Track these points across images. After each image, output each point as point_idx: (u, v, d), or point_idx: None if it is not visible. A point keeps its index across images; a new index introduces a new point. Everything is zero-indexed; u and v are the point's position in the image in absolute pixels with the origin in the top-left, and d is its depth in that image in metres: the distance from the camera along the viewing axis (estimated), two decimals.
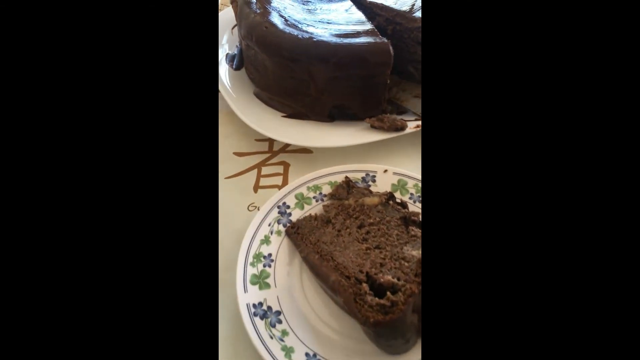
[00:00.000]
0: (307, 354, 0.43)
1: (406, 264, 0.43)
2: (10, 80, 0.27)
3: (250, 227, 0.52)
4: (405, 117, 0.69)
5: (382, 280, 0.42)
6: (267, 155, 0.68)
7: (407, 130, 0.66)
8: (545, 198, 0.26)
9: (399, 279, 0.42)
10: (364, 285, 0.42)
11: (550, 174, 0.26)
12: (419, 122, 0.67)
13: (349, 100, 0.68)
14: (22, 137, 0.27)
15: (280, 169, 0.66)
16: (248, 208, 0.61)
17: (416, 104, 0.70)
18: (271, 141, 0.70)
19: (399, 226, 0.48)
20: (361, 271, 0.44)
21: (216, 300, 0.47)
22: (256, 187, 0.64)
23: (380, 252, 0.45)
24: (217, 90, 0.72)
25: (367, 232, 0.48)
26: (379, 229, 0.48)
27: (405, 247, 0.45)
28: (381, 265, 0.44)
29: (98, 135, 0.28)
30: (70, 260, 0.27)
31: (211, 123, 0.30)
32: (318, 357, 0.43)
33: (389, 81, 0.66)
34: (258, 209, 0.57)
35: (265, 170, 0.66)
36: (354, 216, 0.51)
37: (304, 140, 0.65)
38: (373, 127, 0.66)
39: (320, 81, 0.65)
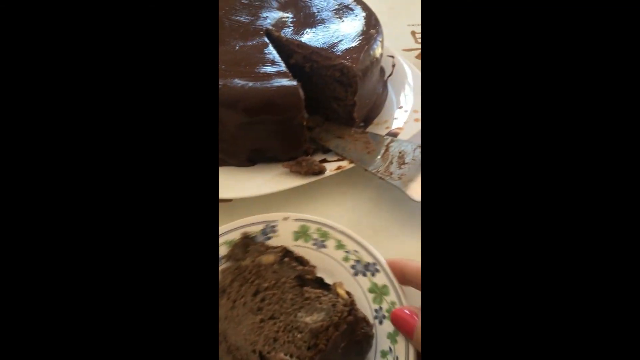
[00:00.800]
0: None
1: (299, 335, 0.40)
2: (8, 79, 0.27)
3: None
4: (329, 157, 0.67)
5: None
6: None
7: (327, 173, 0.63)
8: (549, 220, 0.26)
9: (291, 356, 0.38)
10: None
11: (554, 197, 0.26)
12: (340, 164, 0.65)
13: (267, 144, 0.65)
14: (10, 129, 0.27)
15: None
16: None
17: (338, 145, 0.68)
18: None
19: (293, 288, 0.45)
20: (254, 351, 0.40)
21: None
22: None
23: (274, 324, 0.42)
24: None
25: (262, 300, 0.44)
26: (273, 295, 0.44)
27: (299, 314, 0.42)
28: (274, 340, 0.40)
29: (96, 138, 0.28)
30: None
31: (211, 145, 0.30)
32: None
33: (305, 123, 0.63)
34: None
35: None
36: (250, 280, 0.47)
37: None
38: (292, 172, 0.63)
39: (231, 127, 0.62)
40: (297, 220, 0.53)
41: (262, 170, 0.65)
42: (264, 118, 0.61)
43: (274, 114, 0.60)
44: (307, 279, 0.46)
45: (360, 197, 0.65)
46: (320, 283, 0.46)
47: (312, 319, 0.41)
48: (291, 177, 0.63)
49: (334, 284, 0.45)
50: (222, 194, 0.62)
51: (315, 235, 0.52)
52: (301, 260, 0.48)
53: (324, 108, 0.73)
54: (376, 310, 0.46)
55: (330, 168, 0.64)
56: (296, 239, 0.52)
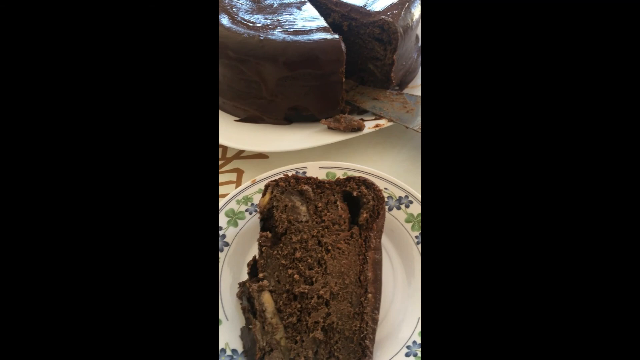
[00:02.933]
0: None
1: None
2: (11, 81, 0.26)
3: None
4: (365, 117, 0.66)
5: None
6: (220, 162, 0.65)
7: (365, 131, 0.63)
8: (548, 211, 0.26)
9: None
10: None
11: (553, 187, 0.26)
12: (378, 122, 0.64)
13: (305, 102, 0.64)
14: (18, 142, 0.26)
15: (233, 176, 0.62)
16: None
17: (375, 105, 0.67)
18: (224, 147, 0.66)
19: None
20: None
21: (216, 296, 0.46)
22: None
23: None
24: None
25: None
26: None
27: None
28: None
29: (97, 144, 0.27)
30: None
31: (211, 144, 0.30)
32: None
33: (344, 80, 0.63)
34: None
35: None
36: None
37: (256, 145, 0.61)
38: (330, 128, 0.63)
39: (271, 82, 0.61)
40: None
41: (299, 128, 0.65)
42: (305, 72, 0.60)
43: (315, 68, 0.60)
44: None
45: (399, 156, 0.65)
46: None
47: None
48: (329, 133, 0.63)
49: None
50: (261, 147, 0.62)
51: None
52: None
53: (359, 70, 0.72)
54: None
55: (369, 126, 0.63)
56: None
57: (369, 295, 0.43)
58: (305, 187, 0.47)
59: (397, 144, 0.66)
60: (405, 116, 0.64)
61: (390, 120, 0.64)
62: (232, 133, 0.64)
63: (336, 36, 0.60)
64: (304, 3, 0.67)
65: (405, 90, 0.73)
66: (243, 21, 0.63)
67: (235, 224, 0.51)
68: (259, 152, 0.63)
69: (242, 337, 0.44)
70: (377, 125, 0.63)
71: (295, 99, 0.64)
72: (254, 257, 0.46)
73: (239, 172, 0.63)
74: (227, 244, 0.50)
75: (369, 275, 0.43)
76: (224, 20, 0.63)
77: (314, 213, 0.46)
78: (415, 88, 0.73)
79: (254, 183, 0.53)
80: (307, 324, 0.41)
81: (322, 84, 0.62)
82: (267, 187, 0.48)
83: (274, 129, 0.65)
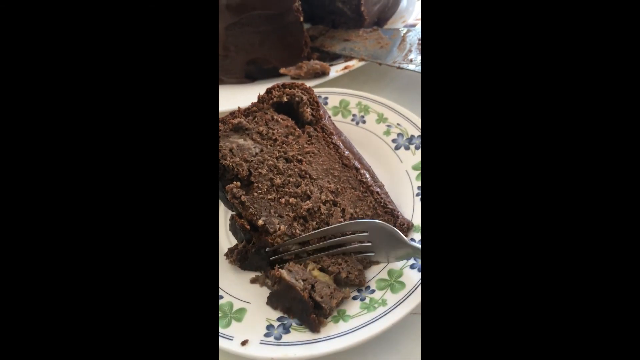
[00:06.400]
0: None
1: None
2: (10, 80, 0.25)
3: None
4: (336, 62, 0.58)
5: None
6: None
7: (332, 75, 0.54)
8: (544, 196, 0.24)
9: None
10: None
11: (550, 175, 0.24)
12: (348, 63, 0.55)
13: (263, 52, 0.57)
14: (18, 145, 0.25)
15: None
16: None
17: (345, 47, 0.58)
18: None
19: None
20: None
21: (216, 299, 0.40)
22: None
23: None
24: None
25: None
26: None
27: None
28: None
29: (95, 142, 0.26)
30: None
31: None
32: None
33: (302, 19, 0.54)
34: None
35: None
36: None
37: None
38: (292, 78, 0.55)
39: (220, 33, 0.54)
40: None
41: (263, 84, 0.58)
42: (253, 15, 0.53)
43: (263, 7, 0.52)
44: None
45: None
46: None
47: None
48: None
49: None
50: (221, 106, 0.55)
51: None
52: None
53: (328, 13, 0.64)
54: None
55: (336, 70, 0.55)
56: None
57: (362, 171, 0.42)
58: (237, 121, 0.42)
59: (376, 85, 0.57)
60: (379, 52, 0.55)
61: (361, 59, 0.55)
62: None
63: None
64: None
65: (386, 27, 0.63)
66: None
67: None
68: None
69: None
70: (346, 67, 0.55)
71: (252, 51, 0.56)
72: (232, 217, 0.41)
73: None
74: None
75: (349, 154, 0.42)
76: None
77: (262, 139, 0.42)
78: (397, 22, 0.64)
79: None
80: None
81: (277, 27, 0.54)
82: None
83: (234, 90, 0.58)
